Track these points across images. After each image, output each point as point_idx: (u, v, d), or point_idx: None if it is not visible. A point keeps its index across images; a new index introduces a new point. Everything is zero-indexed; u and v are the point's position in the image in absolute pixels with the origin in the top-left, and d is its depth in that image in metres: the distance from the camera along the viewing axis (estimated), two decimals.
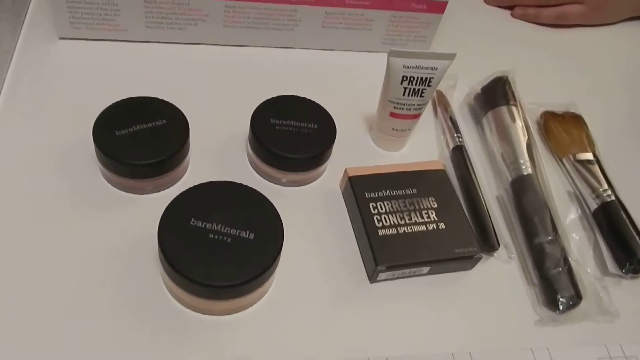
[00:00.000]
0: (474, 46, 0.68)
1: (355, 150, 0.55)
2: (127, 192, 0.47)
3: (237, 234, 0.40)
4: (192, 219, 0.40)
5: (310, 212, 0.49)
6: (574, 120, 0.59)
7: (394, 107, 0.51)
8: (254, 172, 0.51)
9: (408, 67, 0.48)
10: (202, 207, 0.41)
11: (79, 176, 0.47)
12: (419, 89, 0.49)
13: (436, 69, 0.48)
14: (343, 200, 0.51)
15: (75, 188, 0.47)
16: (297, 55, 0.62)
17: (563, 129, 0.59)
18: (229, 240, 0.40)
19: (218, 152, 0.52)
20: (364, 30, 0.61)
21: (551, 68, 0.70)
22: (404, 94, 0.50)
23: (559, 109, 0.61)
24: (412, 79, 0.49)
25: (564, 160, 0.57)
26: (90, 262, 0.43)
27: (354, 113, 0.58)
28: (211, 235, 0.39)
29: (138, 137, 0.45)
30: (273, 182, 0.50)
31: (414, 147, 0.56)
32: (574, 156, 0.56)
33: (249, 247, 0.39)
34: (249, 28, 0.59)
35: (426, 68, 0.48)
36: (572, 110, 0.60)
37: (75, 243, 0.43)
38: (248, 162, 0.52)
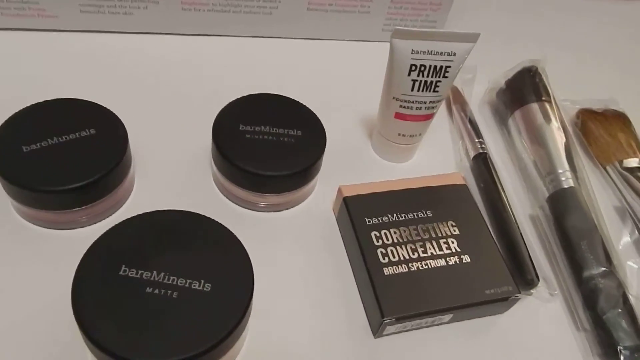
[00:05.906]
0: (494, 31, 0.57)
1: (352, 163, 0.43)
2: (51, 228, 0.36)
3: (188, 285, 0.28)
4: (123, 267, 0.29)
5: (296, 245, 0.38)
6: (617, 120, 0.49)
7: (400, 106, 0.40)
8: (222, 195, 0.40)
9: (418, 53, 0.37)
10: (138, 250, 0.29)
11: None
12: (432, 82, 0.38)
13: (454, 54, 0.37)
14: (338, 228, 0.39)
15: None
16: (275, 46, 0.51)
17: (605, 130, 0.48)
18: (174, 295, 0.28)
19: (174, 172, 0.40)
20: (360, 14, 0.50)
21: (586, 57, 0.59)
22: (412, 89, 0.39)
23: (597, 106, 0.50)
24: (422, 68, 0.37)
25: (607, 168, 0.47)
26: None
27: (349, 116, 0.46)
28: (149, 290, 0.28)
29: (55, 154, 0.34)
30: (247, 208, 0.39)
31: (425, 157, 0.45)
32: (620, 163, 0.46)
33: (205, 302, 0.28)
34: (214, 12, 0.48)
35: (441, 53, 0.37)
36: (613, 107, 0.50)
37: None
38: (214, 182, 0.40)
